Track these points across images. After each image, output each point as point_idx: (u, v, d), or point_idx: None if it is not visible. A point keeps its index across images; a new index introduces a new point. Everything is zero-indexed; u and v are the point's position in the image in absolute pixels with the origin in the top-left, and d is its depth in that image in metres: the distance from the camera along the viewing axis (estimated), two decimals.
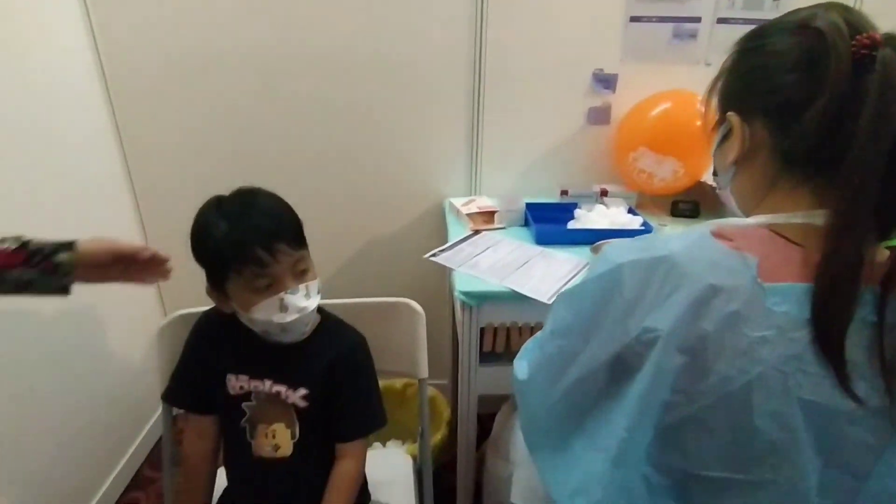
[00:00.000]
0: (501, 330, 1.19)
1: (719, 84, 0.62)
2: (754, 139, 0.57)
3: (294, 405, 0.88)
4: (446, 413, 1.60)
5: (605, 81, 1.52)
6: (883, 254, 0.51)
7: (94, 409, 1.44)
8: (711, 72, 0.63)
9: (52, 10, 1.31)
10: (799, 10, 0.55)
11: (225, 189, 0.85)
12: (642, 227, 1.33)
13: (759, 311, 0.49)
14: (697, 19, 1.45)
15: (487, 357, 1.19)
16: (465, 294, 1.10)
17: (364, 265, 1.72)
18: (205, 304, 0.93)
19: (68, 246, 0.79)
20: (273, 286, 0.80)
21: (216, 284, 0.83)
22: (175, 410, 0.98)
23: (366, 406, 0.93)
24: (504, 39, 1.47)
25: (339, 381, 0.90)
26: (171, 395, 0.95)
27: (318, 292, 0.86)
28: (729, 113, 0.59)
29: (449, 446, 1.48)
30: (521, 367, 0.70)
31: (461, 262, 1.21)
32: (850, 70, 0.48)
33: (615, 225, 1.33)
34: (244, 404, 0.88)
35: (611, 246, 0.61)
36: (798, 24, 0.54)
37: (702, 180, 1.47)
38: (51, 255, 0.77)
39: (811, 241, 0.51)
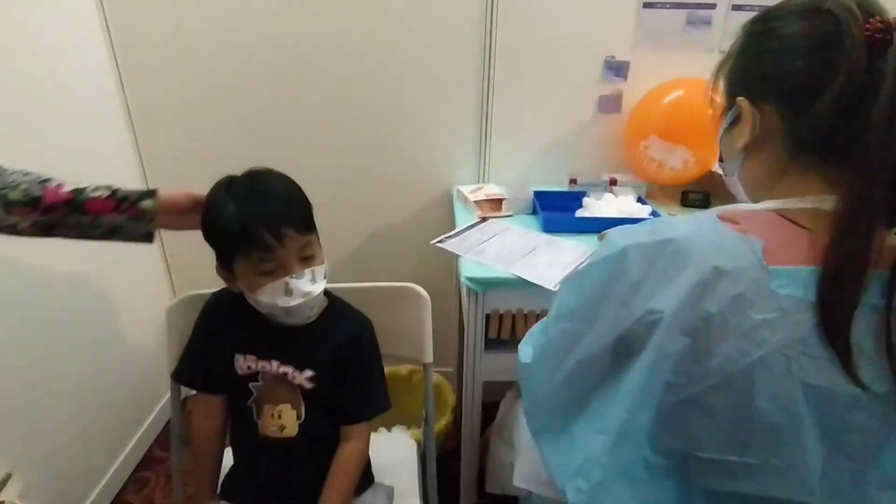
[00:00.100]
0: (507, 317, 1.19)
1: (726, 68, 0.61)
2: (765, 125, 0.56)
3: (300, 386, 0.89)
4: (451, 399, 1.61)
5: (617, 69, 1.51)
6: (892, 239, 0.51)
7: (106, 389, 1.47)
8: None
9: None
10: None
11: (234, 171, 0.85)
12: (651, 217, 1.32)
13: (763, 294, 0.48)
14: (712, 6, 1.42)
15: (493, 344, 1.19)
16: (471, 280, 1.10)
17: (372, 251, 1.73)
18: (214, 286, 0.94)
19: (151, 193, 0.82)
20: (279, 270, 0.81)
21: (224, 264, 0.84)
22: (184, 393, 1.00)
23: (371, 389, 0.94)
24: (515, 26, 1.45)
25: (346, 364, 0.91)
26: (181, 374, 0.96)
27: (325, 277, 0.86)
28: (739, 98, 0.58)
29: (454, 433, 1.49)
30: (526, 351, 0.71)
31: (468, 249, 1.21)
32: (865, 54, 0.48)
33: (624, 214, 1.32)
34: (251, 384, 0.89)
35: (616, 230, 0.61)
36: (809, 7, 0.53)
37: (713, 170, 1.45)
38: (136, 201, 0.81)
39: (819, 225, 0.51)
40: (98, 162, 1.42)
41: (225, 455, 0.97)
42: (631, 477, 0.55)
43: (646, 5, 1.44)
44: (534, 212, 1.43)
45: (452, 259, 1.38)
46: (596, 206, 1.37)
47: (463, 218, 1.42)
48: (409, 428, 1.54)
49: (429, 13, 1.45)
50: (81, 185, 0.79)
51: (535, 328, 0.76)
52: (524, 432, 0.92)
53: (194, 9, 1.44)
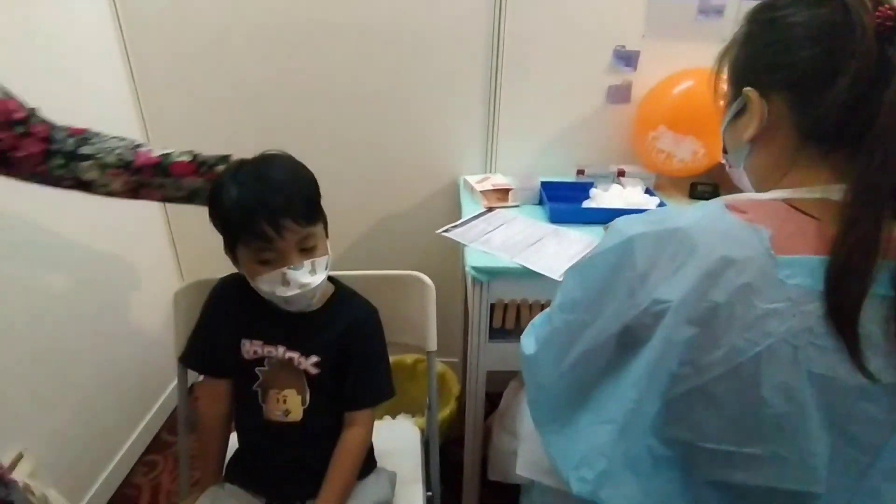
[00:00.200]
0: (511, 307, 1.19)
1: (730, 57, 0.60)
2: (773, 115, 0.55)
3: (306, 372, 0.90)
4: (456, 389, 1.62)
5: (627, 59, 1.49)
6: None
7: (115, 373, 1.49)
8: None
9: None
10: None
11: (238, 149, 0.86)
12: (659, 209, 1.31)
13: (770, 283, 0.48)
14: None
15: (497, 333, 1.20)
16: (476, 269, 1.10)
17: (378, 240, 1.73)
18: (222, 271, 0.95)
19: (225, 158, 0.88)
20: (277, 260, 0.81)
21: (228, 248, 0.85)
22: (191, 379, 1.01)
23: (375, 376, 0.95)
24: (524, 15, 1.44)
25: (351, 350, 0.91)
26: (188, 358, 0.97)
27: (326, 268, 0.86)
28: (746, 89, 0.57)
29: (458, 422, 1.50)
30: (529, 342, 0.71)
31: (473, 238, 1.21)
32: (875, 43, 0.47)
33: (631, 205, 1.31)
34: (257, 369, 0.90)
35: (621, 220, 0.61)
36: None
37: (721, 161, 1.44)
38: (213, 166, 0.87)
39: (828, 214, 0.50)
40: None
41: (231, 439, 0.99)
42: (635, 467, 0.55)
43: None
44: (540, 202, 1.43)
45: (458, 249, 1.38)
46: (603, 198, 1.36)
47: (469, 208, 1.41)
48: (413, 416, 1.55)
49: (437, 2, 1.43)
50: (168, 151, 0.85)
51: (537, 320, 0.76)
52: (527, 421, 0.93)
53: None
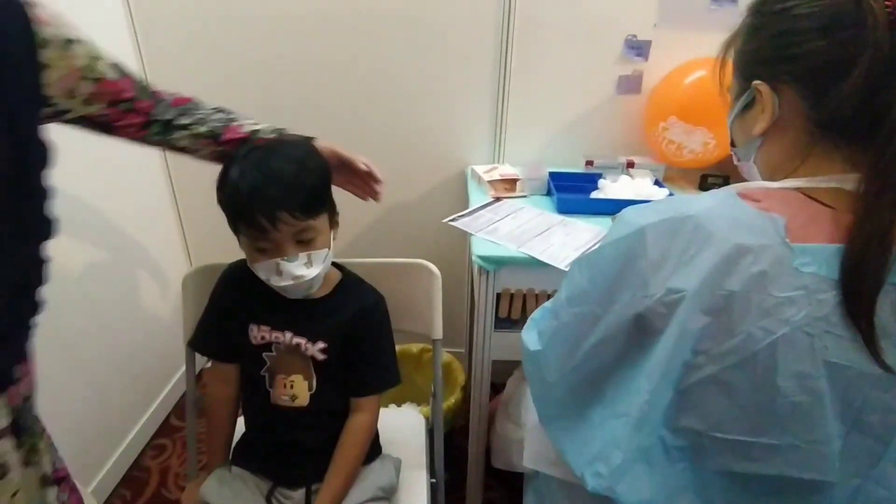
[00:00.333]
0: (518, 296, 1.19)
1: (736, 48, 0.59)
2: (784, 108, 0.54)
3: (313, 358, 0.90)
4: (461, 378, 1.63)
5: (638, 48, 1.47)
6: None
7: (125, 357, 1.51)
8: None
9: None
10: None
11: None
12: (667, 197, 1.30)
13: (786, 272, 0.48)
14: None
15: (503, 323, 1.20)
16: (483, 258, 1.10)
17: (385, 229, 1.73)
18: (231, 257, 0.96)
19: (307, 140, 0.91)
20: (272, 250, 0.81)
21: (232, 229, 0.85)
22: (199, 364, 1.02)
23: (382, 363, 0.95)
24: (534, 3, 1.42)
25: (357, 337, 0.92)
26: (196, 343, 0.98)
27: (325, 261, 0.85)
28: (756, 82, 0.55)
29: (462, 411, 1.51)
30: (531, 337, 0.70)
31: (480, 228, 1.21)
32: (889, 32, 0.46)
33: (640, 196, 1.30)
34: (265, 354, 0.91)
35: (630, 209, 0.60)
36: None
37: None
38: None
39: (842, 203, 0.50)
40: None
41: (238, 423, 1.00)
42: (649, 458, 0.55)
43: None
44: (548, 193, 1.42)
45: (465, 240, 1.38)
46: (612, 189, 1.35)
47: (477, 197, 1.41)
48: (418, 405, 1.56)
49: None
50: (258, 127, 0.89)
51: (537, 314, 0.75)
52: (531, 411, 0.92)
53: None
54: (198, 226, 1.76)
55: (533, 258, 1.08)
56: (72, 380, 1.31)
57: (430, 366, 1.28)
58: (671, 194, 1.33)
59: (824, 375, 0.48)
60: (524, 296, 1.19)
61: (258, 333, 0.91)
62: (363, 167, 0.94)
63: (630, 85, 1.51)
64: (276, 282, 0.83)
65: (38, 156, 0.65)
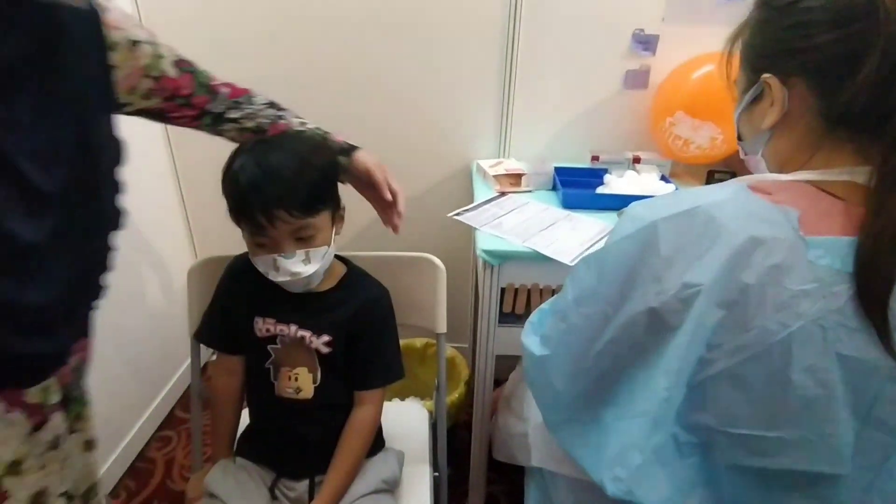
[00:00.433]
0: (522, 291, 1.19)
1: (743, 41, 0.58)
2: (794, 101, 0.54)
3: (317, 351, 0.91)
4: (465, 373, 1.63)
5: (646, 43, 1.46)
6: None
7: (130, 349, 1.52)
8: None
9: None
10: None
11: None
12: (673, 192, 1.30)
13: (800, 264, 0.47)
14: None
15: (507, 317, 1.19)
16: (487, 253, 1.10)
17: None
18: (236, 249, 0.96)
19: (349, 152, 0.92)
20: (270, 246, 0.81)
21: (234, 221, 0.85)
22: (205, 356, 1.03)
23: (386, 357, 0.95)
24: None
25: (362, 331, 0.92)
26: (202, 335, 0.99)
27: (324, 258, 0.84)
28: (765, 76, 0.55)
29: (466, 406, 1.51)
30: (533, 341, 0.69)
31: (485, 222, 1.20)
32: None
33: (645, 192, 1.30)
34: (270, 346, 0.91)
35: (636, 204, 0.59)
36: None
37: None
38: (336, 153, 0.91)
39: (853, 196, 0.50)
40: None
41: (242, 415, 1.00)
42: (663, 455, 0.54)
43: None
44: (554, 188, 1.42)
45: (470, 234, 1.37)
46: (617, 184, 1.35)
47: (482, 192, 1.41)
48: (422, 400, 1.56)
49: None
50: (304, 128, 0.91)
51: (535, 317, 0.74)
52: (533, 406, 0.92)
53: None
54: (203, 217, 1.76)
55: (538, 253, 1.08)
56: None
57: (434, 360, 1.28)
58: (678, 189, 1.32)
59: (837, 368, 0.47)
60: (528, 291, 1.19)
61: (263, 326, 0.91)
62: (388, 197, 0.92)
63: (637, 79, 1.50)
64: (273, 277, 0.83)
65: (113, 153, 0.69)
